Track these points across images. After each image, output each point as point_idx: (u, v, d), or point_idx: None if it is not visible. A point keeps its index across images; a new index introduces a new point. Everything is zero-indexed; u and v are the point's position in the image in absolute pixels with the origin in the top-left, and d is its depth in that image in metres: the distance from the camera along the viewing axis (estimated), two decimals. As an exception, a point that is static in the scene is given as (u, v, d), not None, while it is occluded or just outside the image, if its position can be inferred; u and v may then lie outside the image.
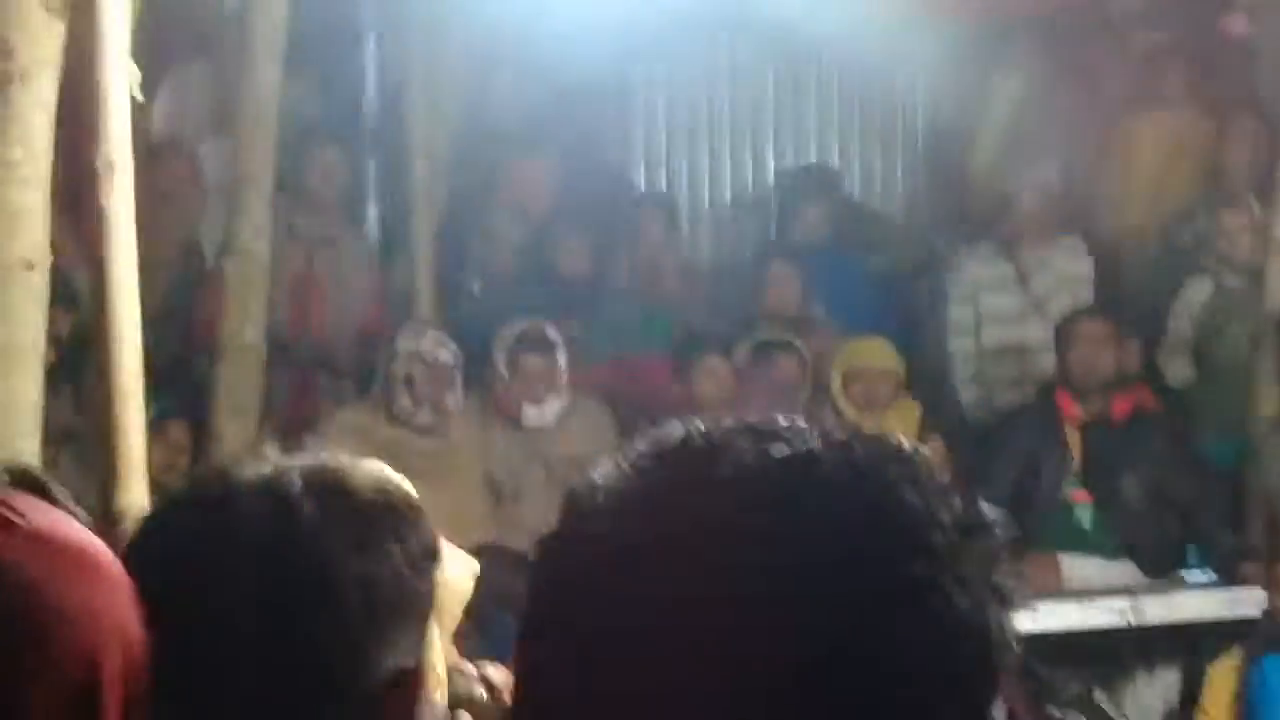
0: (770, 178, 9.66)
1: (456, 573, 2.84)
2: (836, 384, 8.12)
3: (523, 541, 6.60)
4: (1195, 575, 7.50)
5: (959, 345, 8.63)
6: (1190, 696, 7.09)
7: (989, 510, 1.35)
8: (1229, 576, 7.43)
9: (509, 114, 8.91)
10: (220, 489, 1.95)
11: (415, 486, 2.01)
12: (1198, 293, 8.38)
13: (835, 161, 9.76)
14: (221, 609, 1.87)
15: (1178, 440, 7.93)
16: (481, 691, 3.88)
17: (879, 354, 8.17)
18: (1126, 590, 7.39)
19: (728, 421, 1.36)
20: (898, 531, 1.30)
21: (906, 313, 8.93)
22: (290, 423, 7.61)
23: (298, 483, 1.93)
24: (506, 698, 3.79)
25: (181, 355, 7.51)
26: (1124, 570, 7.63)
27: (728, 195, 9.67)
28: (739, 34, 9.06)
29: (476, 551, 3.63)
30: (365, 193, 8.97)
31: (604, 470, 1.36)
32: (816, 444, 1.32)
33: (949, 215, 9.24)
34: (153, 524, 2.00)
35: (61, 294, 4.51)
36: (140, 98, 4.16)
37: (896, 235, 9.54)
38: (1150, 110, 9.16)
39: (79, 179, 4.00)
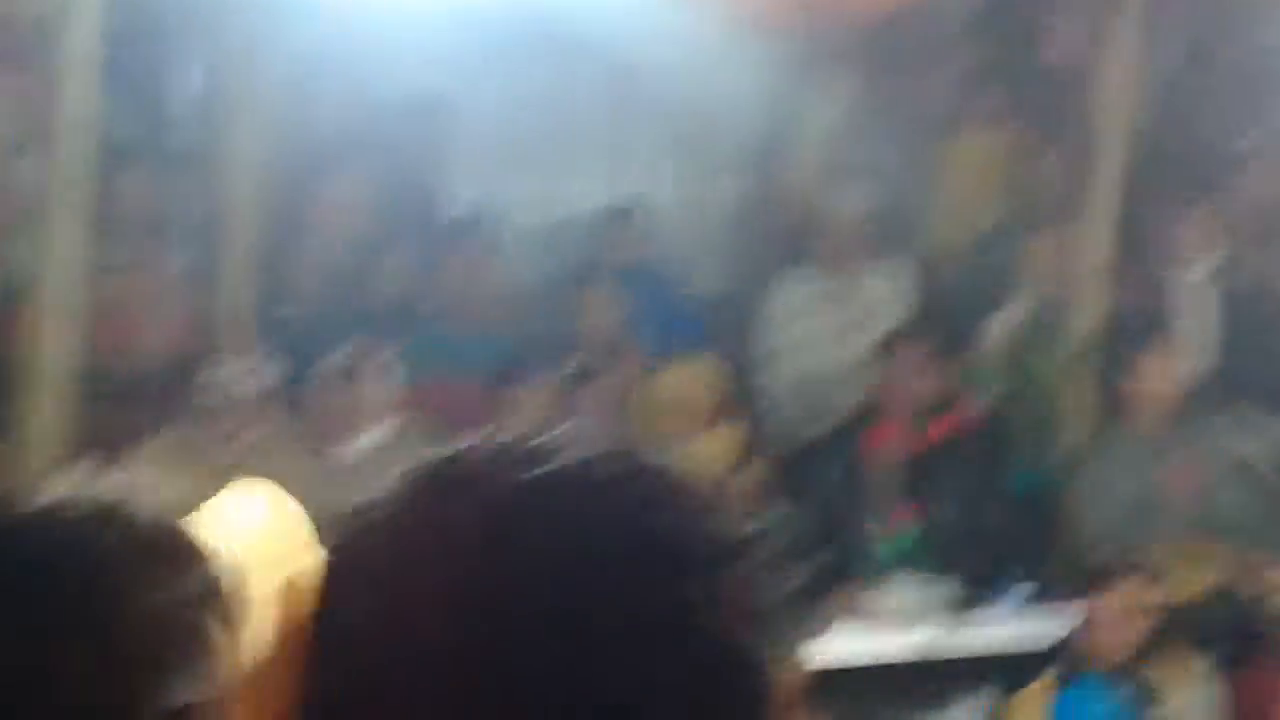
0: (590, 199, 9.64)
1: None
2: (655, 407, 8.11)
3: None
4: (1006, 601, 7.55)
5: (777, 368, 8.65)
6: (1001, 721, 7.14)
7: (759, 528, 1.32)
8: (1039, 602, 7.49)
9: (326, 133, 8.81)
10: None
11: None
12: (1010, 315, 8.45)
13: (654, 182, 9.75)
14: None
15: (991, 465, 7.99)
16: None
17: (697, 377, 8.17)
18: (937, 617, 7.44)
19: (495, 440, 1.33)
20: (651, 555, 1.27)
21: (726, 335, 8.94)
22: (99, 454, 7.49)
23: (77, 513, 1.88)
24: None
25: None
26: (937, 594, 7.67)
27: (546, 218, 9.63)
28: (560, 54, 9.01)
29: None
30: (178, 214, 8.83)
31: (376, 492, 1.34)
32: (573, 465, 1.29)
33: (767, 236, 9.25)
34: None
35: None
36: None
37: (716, 257, 9.55)
38: (967, 130, 9.24)
39: None
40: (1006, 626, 7.37)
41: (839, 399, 8.31)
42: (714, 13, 8.21)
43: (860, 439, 7.82)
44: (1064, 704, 6.81)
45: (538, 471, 1.28)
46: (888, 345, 7.95)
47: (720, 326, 9.01)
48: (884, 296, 8.63)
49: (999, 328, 8.47)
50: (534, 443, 1.31)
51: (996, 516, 7.78)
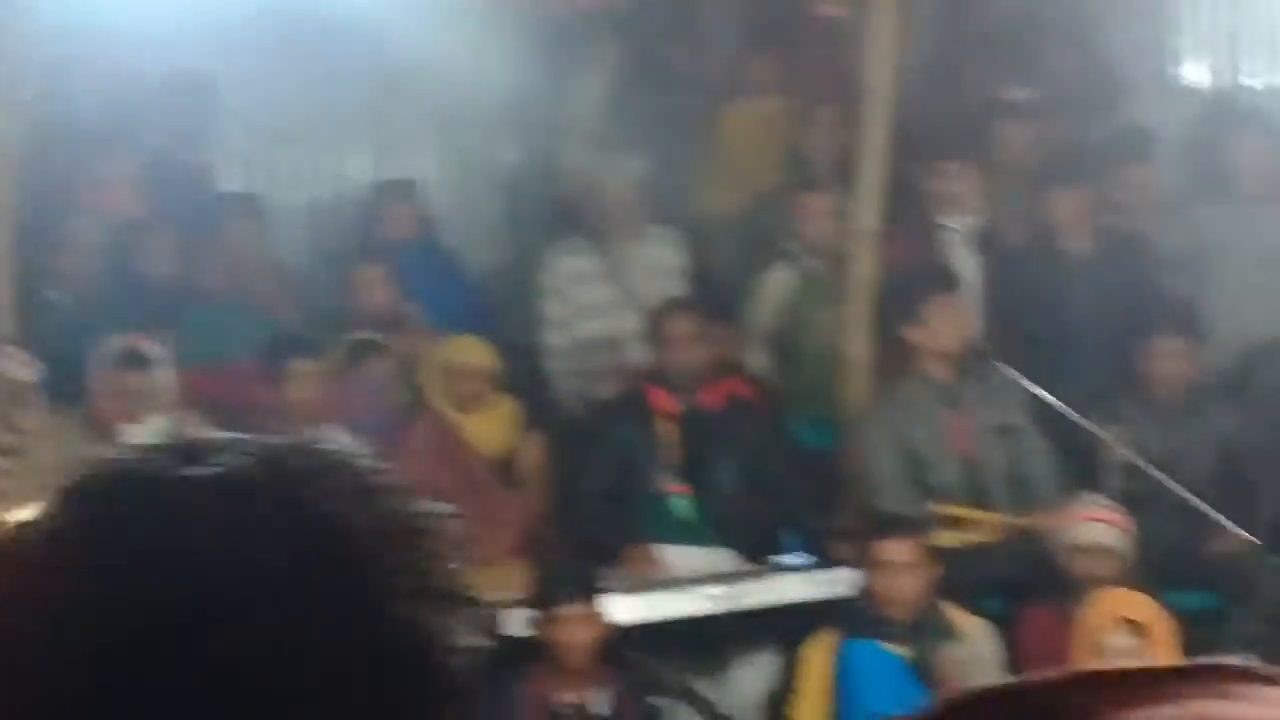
0: (360, 176, 9.56)
1: None
2: (431, 383, 8.07)
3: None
4: (791, 559, 7.60)
5: (553, 340, 8.65)
6: (788, 679, 7.18)
7: (434, 508, 1.29)
8: (824, 559, 7.55)
9: (89, 112, 8.65)
10: None
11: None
12: (780, 279, 8.51)
13: (424, 159, 9.69)
14: None
15: (771, 426, 8.04)
16: None
17: (473, 351, 8.14)
18: (723, 577, 7.47)
19: (159, 439, 1.30)
20: (310, 545, 1.24)
21: (500, 309, 8.91)
22: None
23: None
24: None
25: None
26: (721, 557, 7.71)
27: (317, 196, 9.53)
28: (328, 33, 8.92)
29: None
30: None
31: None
32: (233, 459, 1.26)
33: (539, 210, 9.22)
34: None
35: None
36: None
37: (491, 230, 9.51)
38: (738, 97, 9.28)
39: None
40: (792, 583, 7.42)
41: (619, 365, 8.33)
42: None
43: (646, 405, 7.83)
44: (851, 656, 6.87)
45: (192, 471, 1.26)
46: (660, 313, 7.96)
47: (499, 298, 8.98)
48: (656, 264, 8.64)
49: (772, 290, 8.52)
50: (197, 440, 1.29)
51: (779, 476, 7.83)
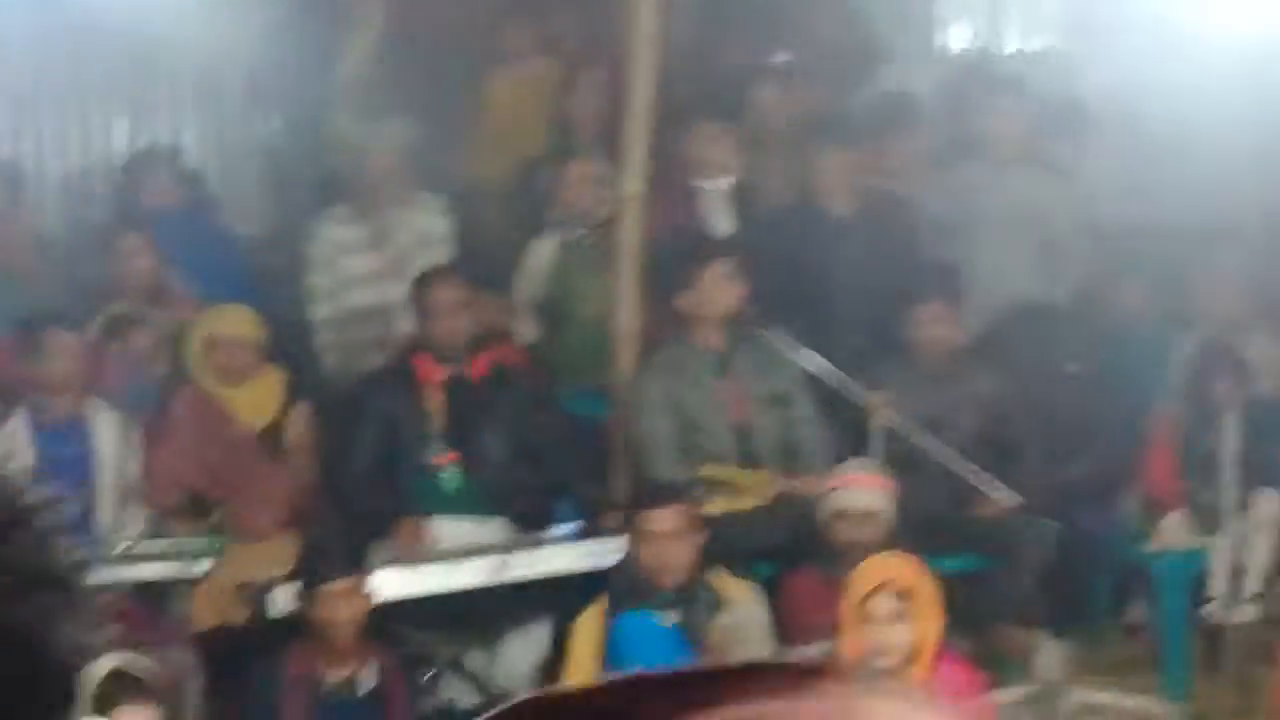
0: (120, 144, 9.37)
1: None
2: (196, 353, 7.93)
3: None
4: (561, 529, 7.57)
5: (319, 310, 8.54)
6: (559, 650, 7.16)
7: (37, 493, 1.25)
8: (594, 528, 7.53)
9: None
10: None
11: None
12: (546, 247, 8.47)
13: (186, 126, 9.53)
14: None
15: (540, 395, 8.01)
16: None
17: (239, 321, 8.00)
18: (494, 548, 7.43)
19: None
20: None
21: (266, 278, 8.79)
22: None
23: None
24: None
25: None
26: (492, 528, 7.67)
27: (75, 164, 9.33)
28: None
29: None
30: None
31: None
32: None
33: (304, 178, 9.10)
34: None
35: None
36: None
37: (256, 199, 9.38)
38: (503, 64, 9.22)
39: None
40: (563, 553, 7.39)
41: (386, 335, 8.25)
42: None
43: (413, 375, 7.76)
44: (622, 625, 6.87)
45: None
46: (426, 282, 7.89)
47: (265, 268, 8.85)
48: (423, 233, 8.57)
49: (539, 258, 8.49)
50: None
51: (549, 445, 7.81)
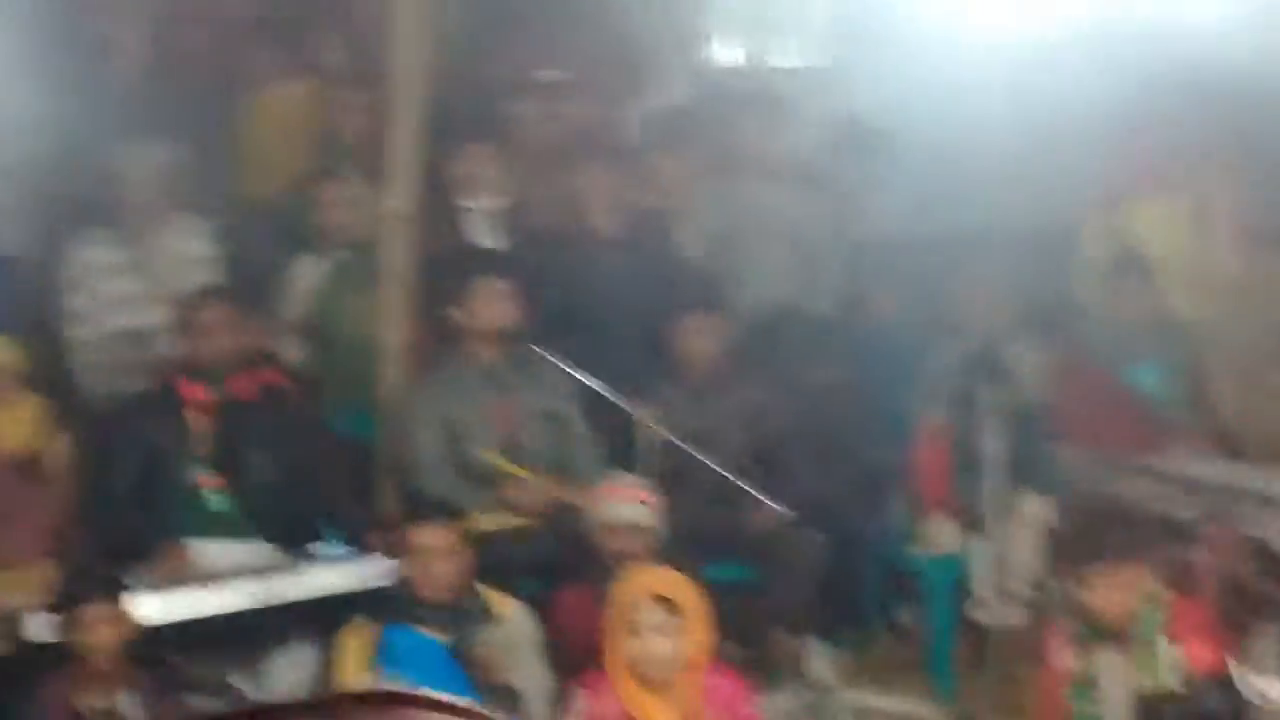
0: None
1: None
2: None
3: None
4: (327, 549, 7.51)
5: (79, 334, 8.41)
6: (327, 670, 7.10)
7: None
8: (362, 548, 7.48)
9: None
10: None
11: None
12: (308, 267, 8.42)
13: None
14: None
15: (306, 416, 7.94)
16: None
17: (-2, 348, 7.86)
18: (258, 570, 7.35)
19: None
20: None
21: (24, 303, 8.62)
22: None
23: None
24: None
25: None
26: (256, 550, 7.59)
27: None
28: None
29: None
30: None
31: None
32: None
33: (61, 199, 8.95)
34: None
35: None
36: None
37: (10, 220, 9.20)
38: (269, 82, 9.15)
39: None
40: (330, 573, 7.33)
41: (148, 358, 8.14)
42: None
43: (176, 397, 7.67)
44: (390, 643, 6.82)
45: None
46: (189, 303, 7.80)
47: (21, 292, 8.68)
48: (185, 255, 8.46)
49: (301, 278, 8.43)
50: None
51: (315, 466, 7.74)
